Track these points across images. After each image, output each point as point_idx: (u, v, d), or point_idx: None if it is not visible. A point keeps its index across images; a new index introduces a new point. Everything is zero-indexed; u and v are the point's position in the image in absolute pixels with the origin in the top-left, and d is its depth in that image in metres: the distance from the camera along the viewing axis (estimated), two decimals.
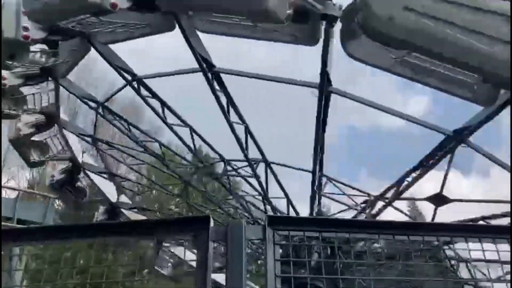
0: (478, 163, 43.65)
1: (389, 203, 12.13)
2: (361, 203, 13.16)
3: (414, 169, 10.60)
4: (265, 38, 8.99)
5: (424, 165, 10.28)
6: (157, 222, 4.81)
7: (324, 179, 12.71)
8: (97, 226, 3.76)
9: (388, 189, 11.78)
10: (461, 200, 11.45)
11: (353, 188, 13.23)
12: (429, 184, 13.38)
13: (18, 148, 15.43)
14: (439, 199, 11.10)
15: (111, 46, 11.06)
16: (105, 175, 17.25)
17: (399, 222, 3.85)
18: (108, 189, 18.01)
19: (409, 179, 10.97)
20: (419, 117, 10.91)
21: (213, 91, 10.74)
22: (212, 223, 3.08)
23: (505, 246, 3.11)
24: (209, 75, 10.36)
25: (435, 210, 11.30)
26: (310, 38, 8.48)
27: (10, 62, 11.70)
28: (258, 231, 3.11)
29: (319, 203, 13.09)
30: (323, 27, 8.20)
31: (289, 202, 13.67)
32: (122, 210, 18.89)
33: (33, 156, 16.02)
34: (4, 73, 12.60)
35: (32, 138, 15.67)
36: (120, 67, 11.41)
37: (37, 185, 40.20)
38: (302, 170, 12.83)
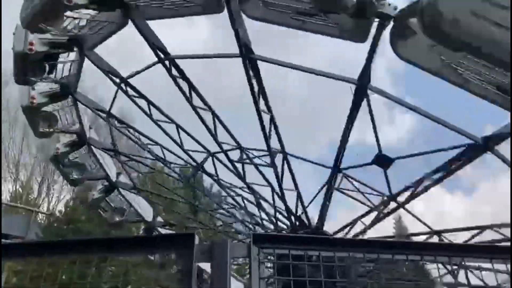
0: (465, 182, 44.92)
1: (402, 205, 12.51)
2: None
3: (435, 172, 10.98)
4: (315, 30, 9.16)
5: (448, 169, 10.66)
6: (141, 239, 4.82)
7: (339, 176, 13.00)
8: (81, 242, 3.66)
9: (404, 190, 12.13)
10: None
11: (367, 186, 13.49)
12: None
13: (29, 116, 15.29)
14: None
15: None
16: (110, 153, 17.19)
17: (385, 241, 3.83)
18: None
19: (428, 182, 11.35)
20: None
21: (249, 78, 10.92)
22: (197, 240, 2.99)
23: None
24: (247, 61, 10.57)
25: None
26: (360, 35, 8.71)
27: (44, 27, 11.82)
28: (243, 249, 3.03)
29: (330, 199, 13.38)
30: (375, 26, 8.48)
31: (299, 196, 13.95)
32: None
33: (42, 126, 15.98)
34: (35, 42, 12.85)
35: (43, 109, 15.76)
36: (155, 45, 11.51)
37: (21, 199, 40.65)
38: (321, 165, 13.12)
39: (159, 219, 20.28)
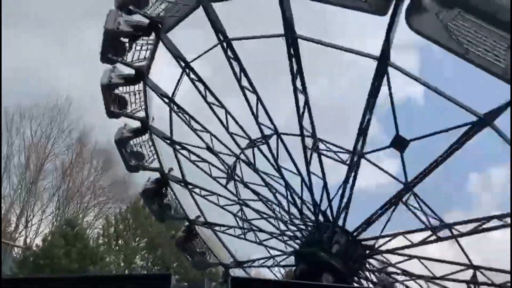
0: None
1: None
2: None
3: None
4: (340, 3, 10.71)
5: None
6: (119, 277, 4.74)
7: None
8: (58, 279, 3.53)
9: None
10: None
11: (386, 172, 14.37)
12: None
13: (105, 93, 17.14)
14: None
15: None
16: (167, 141, 19.10)
17: None
18: None
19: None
20: None
21: (289, 57, 12.74)
22: (173, 281, 2.98)
23: None
24: (289, 40, 12.45)
25: None
26: (381, 8, 10.29)
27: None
28: None
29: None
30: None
31: (325, 185, 15.06)
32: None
33: (113, 107, 18.17)
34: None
35: (116, 91, 18.21)
36: (217, 28, 13.64)
37: None
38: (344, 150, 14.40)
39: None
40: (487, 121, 10.83)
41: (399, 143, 12.44)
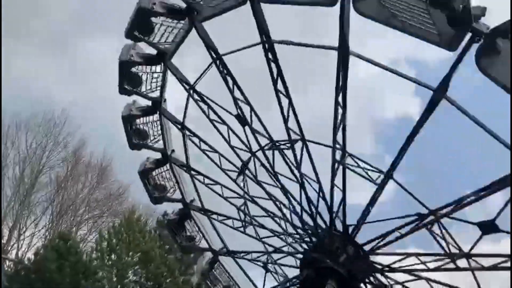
0: None
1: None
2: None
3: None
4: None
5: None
6: None
7: None
8: None
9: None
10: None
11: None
12: None
13: (122, 69, 17.17)
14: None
15: None
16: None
17: None
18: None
19: None
20: None
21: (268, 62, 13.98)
22: None
23: None
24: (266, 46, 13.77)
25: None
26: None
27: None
28: None
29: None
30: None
31: (344, 198, 15.39)
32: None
33: (127, 84, 17.72)
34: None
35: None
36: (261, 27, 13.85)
37: None
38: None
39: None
40: (440, 92, 11.35)
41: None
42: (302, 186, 15.92)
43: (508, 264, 13.30)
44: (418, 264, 15.17)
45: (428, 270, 15.20)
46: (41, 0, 62.88)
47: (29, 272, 32.77)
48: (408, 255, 15.20)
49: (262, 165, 16.97)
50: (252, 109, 15.97)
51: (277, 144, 16.25)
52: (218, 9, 14.20)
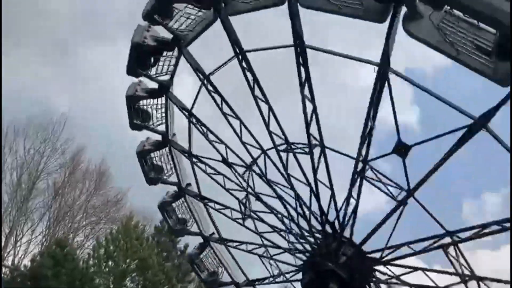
0: None
1: None
2: None
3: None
4: (347, 14, 11.42)
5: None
6: None
7: None
8: None
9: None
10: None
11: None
12: None
13: (130, 105, 18.46)
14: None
15: None
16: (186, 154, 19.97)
17: None
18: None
19: None
20: None
21: (298, 65, 13.58)
22: None
23: None
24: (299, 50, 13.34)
25: None
26: (378, 16, 11.01)
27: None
28: None
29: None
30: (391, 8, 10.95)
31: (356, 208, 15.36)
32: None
33: (136, 119, 18.99)
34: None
35: (141, 104, 19.30)
36: (232, 39, 14.65)
37: None
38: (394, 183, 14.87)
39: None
40: (481, 123, 11.25)
41: (401, 149, 12.87)
42: (316, 195, 15.73)
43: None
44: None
45: (417, 253, 15.25)
46: (41, 6, 61.26)
47: (25, 279, 32.56)
48: (399, 246, 15.34)
49: (274, 164, 16.67)
50: (270, 108, 15.52)
51: (292, 146, 15.89)
52: (197, 32, 14.70)
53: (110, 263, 38.81)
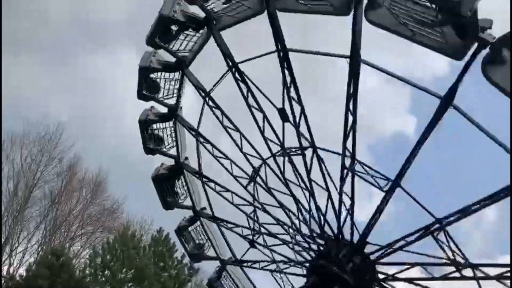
0: None
1: None
2: None
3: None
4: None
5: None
6: None
7: None
8: None
9: None
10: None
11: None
12: None
13: (143, 130, 19.55)
14: None
15: None
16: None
17: None
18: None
19: None
20: None
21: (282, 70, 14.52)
22: None
23: None
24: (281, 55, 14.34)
25: None
26: (343, 9, 11.97)
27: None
28: None
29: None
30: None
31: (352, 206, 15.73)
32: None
33: (149, 144, 20.05)
34: None
35: (154, 130, 20.46)
36: (224, 53, 15.75)
37: None
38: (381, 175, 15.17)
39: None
40: (447, 100, 11.73)
41: None
42: (312, 194, 16.17)
43: None
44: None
45: (433, 278, 15.25)
46: (41, 14, 63.15)
47: None
48: (414, 265, 15.34)
49: (273, 172, 17.32)
50: (265, 116, 16.39)
51: (287, 151, 16.55)
52: (237, 19, 14.89)
53: (106, 272, 38.56)
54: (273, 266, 20.29)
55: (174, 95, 18.76)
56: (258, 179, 18.19)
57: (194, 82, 17.76)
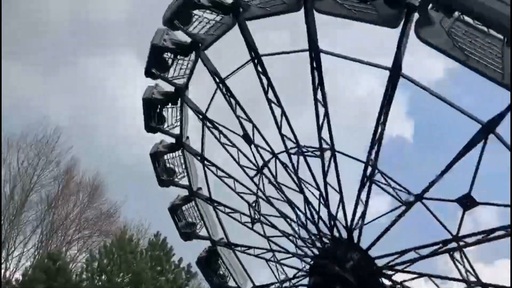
0: None
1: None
2: None
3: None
4: (360, 18, 11.87)
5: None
6: None
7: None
8: None
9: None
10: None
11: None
12: None
13: (147, 108, 19.07)
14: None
15: None
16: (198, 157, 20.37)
17: None
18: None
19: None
20: None
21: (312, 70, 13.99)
22: None
23: None
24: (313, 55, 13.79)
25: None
26: (391, 21, 11.45)
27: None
28: None
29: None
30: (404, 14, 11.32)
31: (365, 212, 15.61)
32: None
33: (152, 122, 19.65)
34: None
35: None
36: (248, 43, 15.12)
37: None
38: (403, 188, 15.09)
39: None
40: (489, 128, 11.52)
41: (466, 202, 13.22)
42: (325, 197, 15.95)
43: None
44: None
45: (423, 257, 15.23)
46: (41, 14, 61.68)
47: None
48: (422, 275, 15.48)
49: (285, 167, 16.98)
50: (283, 111, 15.91)
51: (303, 149, 16.20)
52: (267, 12, 14.37)
53: (103, 277, 38.52)
54: (269, 255, 20.34)
55: (185, 76, 18.27)
56: (267, 172, 17.80)
57: (210, 67, 17.03)
